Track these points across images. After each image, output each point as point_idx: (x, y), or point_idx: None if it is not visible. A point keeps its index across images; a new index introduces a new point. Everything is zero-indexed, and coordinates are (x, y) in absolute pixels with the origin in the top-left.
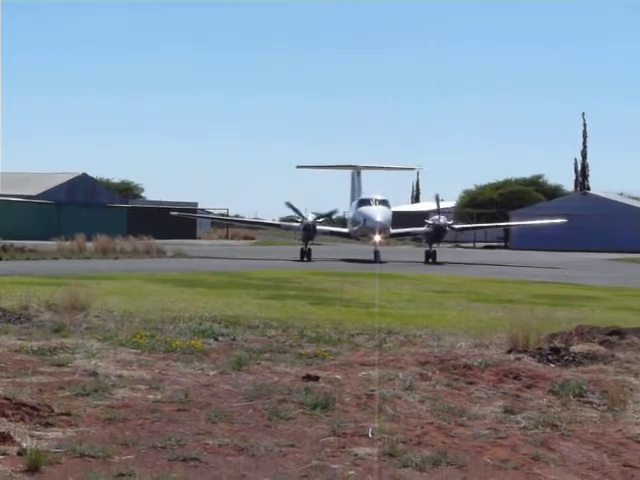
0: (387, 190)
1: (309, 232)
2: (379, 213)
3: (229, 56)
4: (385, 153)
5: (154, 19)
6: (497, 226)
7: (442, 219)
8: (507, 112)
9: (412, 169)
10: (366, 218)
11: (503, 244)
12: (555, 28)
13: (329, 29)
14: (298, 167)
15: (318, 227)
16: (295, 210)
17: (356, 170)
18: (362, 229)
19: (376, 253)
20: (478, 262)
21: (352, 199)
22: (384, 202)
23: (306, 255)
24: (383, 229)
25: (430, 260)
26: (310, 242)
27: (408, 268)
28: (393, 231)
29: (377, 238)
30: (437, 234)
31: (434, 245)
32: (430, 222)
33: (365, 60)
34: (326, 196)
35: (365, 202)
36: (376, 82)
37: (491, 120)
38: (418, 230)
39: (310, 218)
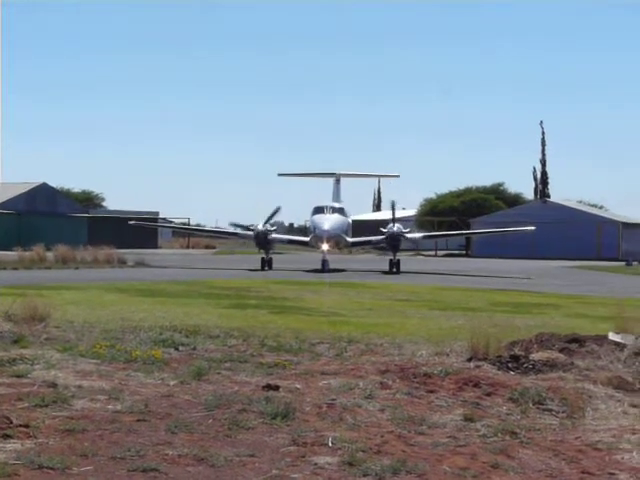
0: (354, 199)
1: (260, 241)
2: (328, 221)
3: (192, 60)
4: (348, 160)
5: (118, 23)
6: (455, 234)
7: (396, 227)
8: (467, 120)
9: (395, 176)
10: (316, 226)
11: (464, 252)
12: (513, 35)
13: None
14: (280, 175)
15: (276, 236)
16: (239, 226)
17: (336, 177)
18: (313, 237)
19: (324, 262)
20: (441, 271)
21: None
22: (339, 210)
23: (267, 264)
24: (332, 237)
25: (394, 269)
26: (271, 251)
27: (370, 277)
28: (353, 240)
29: (324, 247)
30: (392, 243)
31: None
32: (385, 230)
33: (330, 65)
34: (308, 205)
35: (319, 210)
36: (336, 85)
37: (451, 128)
38: (376, 239)
39: (260, 227)
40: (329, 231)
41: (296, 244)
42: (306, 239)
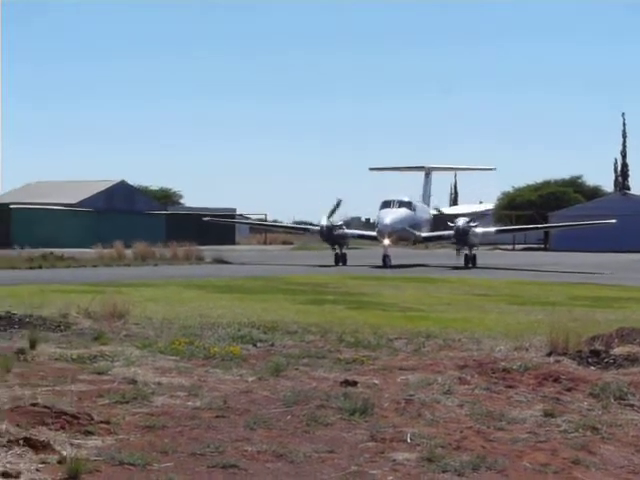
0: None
1: (325, 236)
2: (390, 216)
3: (263, 60)
4: (432, 154)
5: (184, 23)
6: (530, 228)
7: (462, 222)
8: (545, 113)
9: (490, 169)
10: (378, 221)
11: (543, 246)
12: (593, 28)
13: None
14: (371, 169)
15: (346, 231)
16: (304, 222)
17: (425, 171)
18: (377, 232)
19: (385, 257)
20: (517, 266)
21: (423, 201)
22: (406, 204)
23: (341, 259)
24: (394, 232)
25: (469, 264)
26: (344, 246)
27: (446, 272)
28: (426, 234)
29: (386, 242)
30: (460, 237)
31: (474, 248)
32: (452, 225)
33: (411, 63)
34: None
35: (386, 204)
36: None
37: (529, 122)
38: (447, 233)
39: (324, 222)
40: (390, 225)
41: (367, 239)
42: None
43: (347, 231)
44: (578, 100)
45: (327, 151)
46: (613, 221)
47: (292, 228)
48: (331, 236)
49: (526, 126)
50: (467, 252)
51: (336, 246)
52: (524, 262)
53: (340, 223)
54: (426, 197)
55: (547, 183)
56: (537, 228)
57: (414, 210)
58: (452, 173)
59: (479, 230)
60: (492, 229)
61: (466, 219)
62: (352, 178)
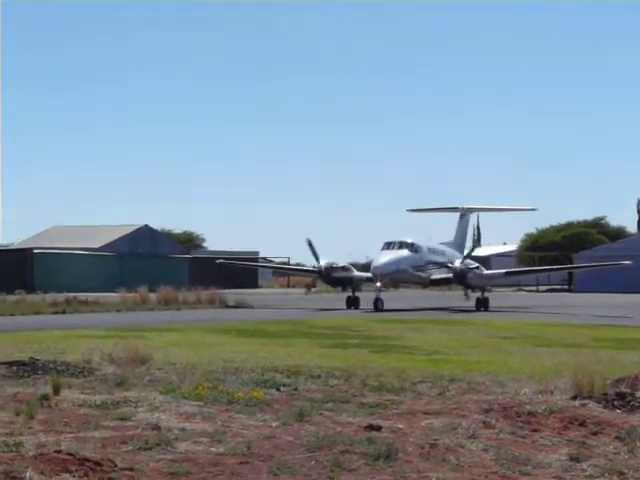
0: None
1: (326, 279)
2: (386, 257)
3: (288, 101)
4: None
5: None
6: (540, 270)
7: (462, 263)
8: (567, 151)
9: (531, 210)
10: (373, 263)
11: (567, 287)
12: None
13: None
14: (409, 210)
15: (355, 273)
16: (312, 251)
17: (460, 212)
18: (372, 274)
19: (377, 301)
20: (532, 308)
21: (455, 243)
22: (408, 245)
23: (353, 303)
24: (386, 275)
25: (482, 308)
26: (357, 289)
27: (471, 315)
28: (434, 277)
29: (378, 284)
30: (460, 280)
31: (485, 291)
32: (451, 266)
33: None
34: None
35: (386, 245)
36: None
37: (551, 161)
38: (447, 276)
39: (323, 263)
40: (382, 267)
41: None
42: None
43: (355, 273)
44: (601, 138)
45: (360, 193)
46: (628, 262)
47: (303, 271)
48: (331, 278)
49: (547, 165)
50: (479, 295)
51: (348, 288)
52: (546, 304)
53: (343, 264)
54: (459, 239)
55: (570, 224)
56: (546, 270)
57: (417, 252)
58: (475, 214)
59: (486, 272)
60: (502, 271)
61: (469, 261)
62: (388, 220)
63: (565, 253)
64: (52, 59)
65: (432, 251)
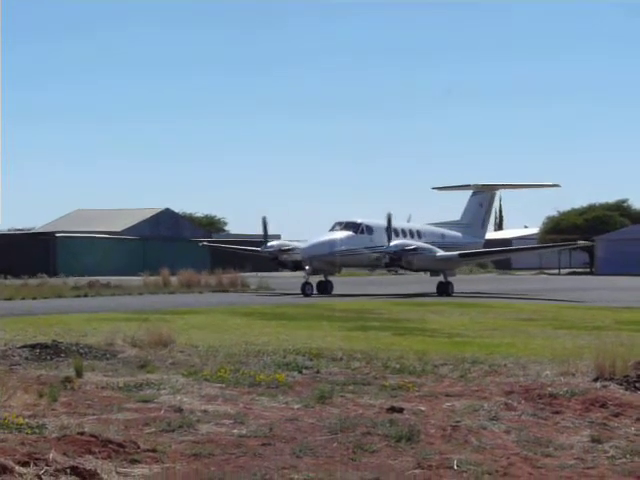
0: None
1: (274, 262)
2: (316, 239)
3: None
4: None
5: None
6: (493, 251)
7: (395, 244)
8: (589, 134)
9: (554, 186)
10: (302, 245)
11: (588, 270)
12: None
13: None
14: (433, 188)
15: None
16: (264, 232)
17: (473, 190)
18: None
19: (305, 285)
20: (505, 292)
21: (464, 223)
22: (354, 226)
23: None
24: (314, 258)
25: (444, 293)
26: (330, 273)
27: (493, 298)
28: (386, 260)
29: (306, 267)
30: (394, 262)
31: (449, 275)
32: (382, 249)
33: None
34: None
35: (334, 226)
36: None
37: (574, 145)
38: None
39: (274, 243)
40: (308, 250)
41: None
42: None
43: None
44: (621, 121)
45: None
46: (585, 242)
47: (255, 252)
48: (280, 260)
49: (570, 147)
50: (441, 279)
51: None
52: (564, 287)
53: (293, 246)
54: (468, 218)
55: (592, 207)
56: (501, 251)
57: (369, 233)
58: (498, 197)
59: (439, 254)
60: (455, 253)
61: (405, 241)
62: (411, 198)
63: (587, 236)
64: (82, 46)
65: (399, 232)
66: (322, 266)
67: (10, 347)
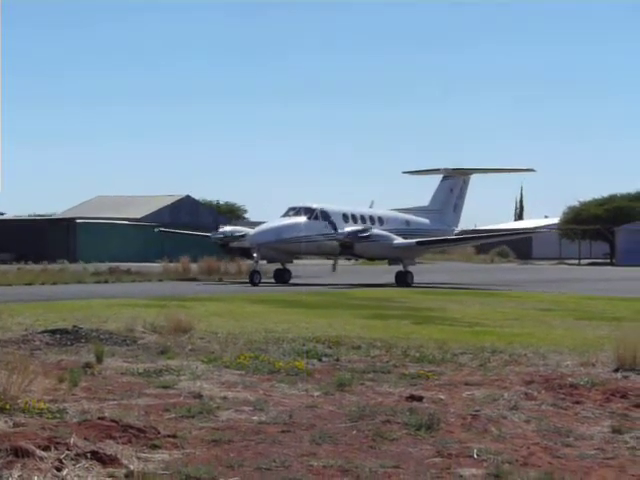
0: (494, 207)
1: (225, 250)
2: (266, 226)
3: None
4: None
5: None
6: (460, 240)
7: (347, 230)
8: (612, 124)
9: (528, 170)
10: (250, 231)
11: (609, 260)
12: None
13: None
14: (404, 172)
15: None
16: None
17: (443, 174)
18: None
19: (253, 274)
20: (494, 284)
21: (432, 208)
22: (309, 211)
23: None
24: (263, 244)
25: (403, 282)
26: (258, 260)
27: (512, 287)
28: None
29: (254, 255)
30: (346, 250)
31: (408, 264)
32: (334, 236)
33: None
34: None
35: (287, 211)
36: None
37: (595, 135)
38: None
39: (227, 229)
40: (256, 237)
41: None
42: None
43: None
44: None
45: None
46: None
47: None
48: (229, 247)
49: (593, 140)
50: (400, 268)
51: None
52: (583, 277)
53: (240, 234)
54: (438, 204)
55: (613, 197)
56: (466, 239)
57: (325, 218)
58: (519, 185)
59: (396, 242)
60: (413, 241)
61: (358, 227)
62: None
63: (607, 226)
64: (106, 30)
65: (358, 218)
66: (271, 254)
67: (31, 332)
